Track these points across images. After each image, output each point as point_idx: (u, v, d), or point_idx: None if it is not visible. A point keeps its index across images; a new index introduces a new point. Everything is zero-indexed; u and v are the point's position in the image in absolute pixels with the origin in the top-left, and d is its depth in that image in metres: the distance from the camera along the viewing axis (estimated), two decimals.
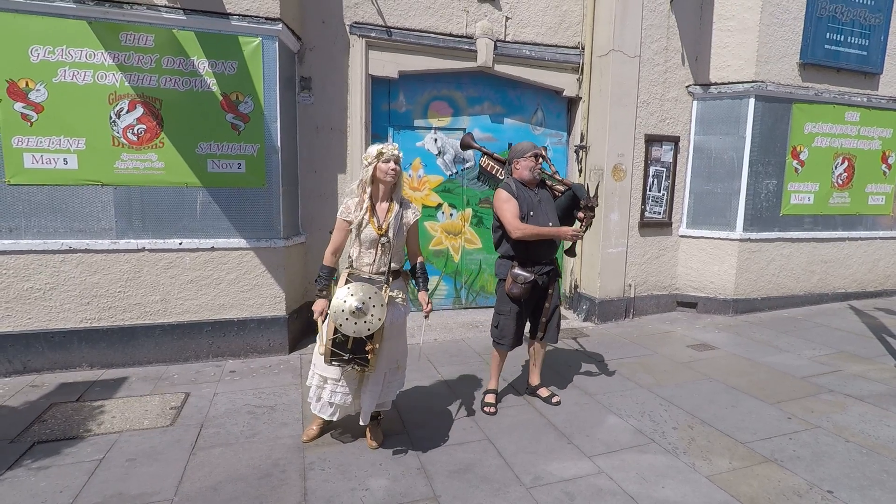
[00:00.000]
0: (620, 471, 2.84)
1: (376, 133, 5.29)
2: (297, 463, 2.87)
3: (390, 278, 2.89)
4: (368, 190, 2.83)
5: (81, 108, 3.86)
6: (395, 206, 2.88)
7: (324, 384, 2.96)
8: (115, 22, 3.83)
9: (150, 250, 4.12)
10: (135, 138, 4.00)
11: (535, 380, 3.80)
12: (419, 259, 3.08)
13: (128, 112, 3.97)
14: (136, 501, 2.52)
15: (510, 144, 5.70)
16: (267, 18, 4.12)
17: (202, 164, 4.16)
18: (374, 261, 2.85)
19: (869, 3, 5.95)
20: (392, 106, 5.35)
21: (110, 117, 3.93)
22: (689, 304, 6.16)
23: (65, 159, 3.88)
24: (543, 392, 3.75)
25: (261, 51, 4.19)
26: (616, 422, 3.43)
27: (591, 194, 3.44)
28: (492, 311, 5.86)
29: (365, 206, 2.81)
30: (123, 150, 3.99)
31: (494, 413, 3.49)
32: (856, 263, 6.60)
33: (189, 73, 4.05)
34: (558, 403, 3.67)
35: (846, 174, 6.32)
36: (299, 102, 4.82)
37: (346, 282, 2.77)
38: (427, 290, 3.08)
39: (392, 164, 2.78)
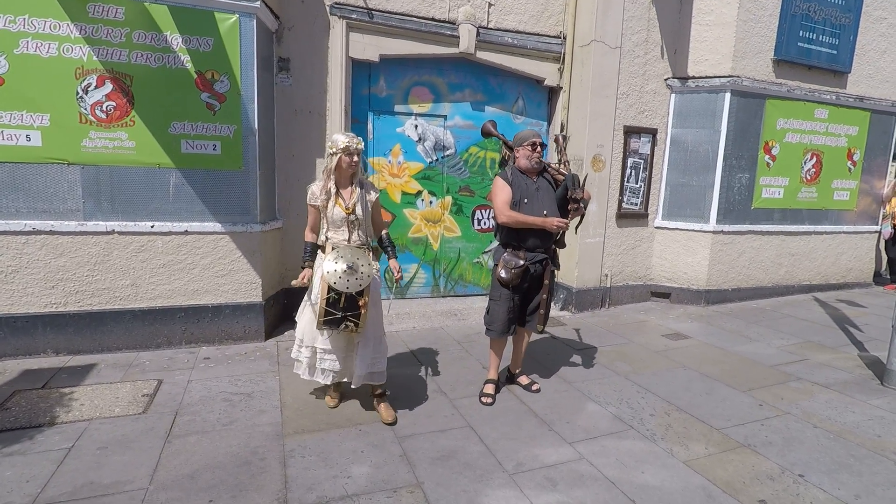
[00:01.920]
0: (601, 456, 2.88)
1: (356, 117, 5.19)
2: (276, 451, 2.82)
3: (367, 247, 3.15)
4: (333, 177, 3.04)
5: (45, 82, 3.67)
6: (357, 189, 3.10)
7: (313, 354, 3.16)
8: None
9: (120, 233, 3.96)
10: (104, 116, 3.82)
11: (515, 367, 3.81)
12: (384, 231, 3.35)
13: (96, 88, 3.78)
14: (108, 490, 2.43)
15: None
16: None
17: (175, 144, 4.01)
18: (348, 238, 3.08)
19: (840, 2, 6.11)
20: (372, 90, 5.26)
21: (77, 93, 3.74)
22: (663, 294, 6.28)
23: (27, 136, 3.68)
24: (523, 380, 3.77)
25: (238, 28, 4.04)
26: (595, 409, 3.47)
27: (579, 186, 3.42)
28: (470, 299, 5.95)
29: (331, 190, 3.03)
30: (91, 128, 3.81)
31: (491, 404, 3.48)
32: (820, 257, 6.83)
33: (162, 48, 3.88)
34: (538, 391, 3.69)
35: (814, 170, 6.52)
36: (277, 84, 4.69)
37: (333, 248, 3.03)
38: (396, 257, 3.32)
39: (354, 158, 3.01)
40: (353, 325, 2.94)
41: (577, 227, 3.51)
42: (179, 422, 3.08)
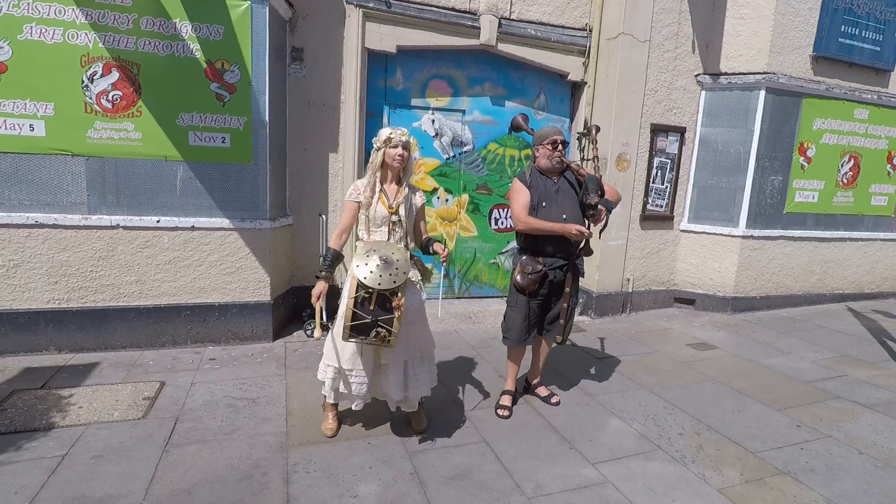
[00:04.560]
0: (627, 480, 2.66)
1: (371, 111, 4.99)
2: (279, 464, 2.65)
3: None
4: (378, 174, 2.84)
5: (50, 70, 3.53)
6: (405, 189, 2.88)
7: (337, 375, 2.86)
8: None
9: (125, 227, 3.82)
10: (109, 105, 3.68)
11: (534, 377, 3.60)
12: (425, 236, 3.07)
13: (102, 76, 3.63)
14: None
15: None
16: None
17: (183, 136, 3.85)
18: (387, 239, 2.84)
19: None
20: (389, 83, 5.06)
21: (82, 81, 3.60)
22: (687, 300, 6.01)
23: (31, 125, 3.55)
24: (542, 391, 3.56)
25: (249, 16, 3.87)
26: (619, 425, 3.25)
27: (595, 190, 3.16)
28: (485, 301, 5.75)
29: (376, 187, 2.81)
30: (97, 118, 3.66)
31: (508, 417, 3.27)
32: (855, 264, 6.50)
33: (170, 36, 3.72)
34: (558, 403, 3.48)
35: (851, 173, 6.18)
36: (290, 75, 4.51)
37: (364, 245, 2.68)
38: (442, 241, 3.11)
39: (399, 150, 2.78)
40: (384, 332, 2.55)
41: (600, 232, 3.26)
42: (180, 429, 2.92)
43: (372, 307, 2.53)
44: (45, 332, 3.77)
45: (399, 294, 2.59)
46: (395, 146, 2.77)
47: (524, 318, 3.21)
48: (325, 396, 2.97)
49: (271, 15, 3.97)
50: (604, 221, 3.23)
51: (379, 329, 2.55)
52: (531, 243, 3.16)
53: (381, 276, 2.52)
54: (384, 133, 2.78)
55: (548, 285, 3.18)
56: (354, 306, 2.52)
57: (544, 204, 3.10)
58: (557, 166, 3.15)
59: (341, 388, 2.89)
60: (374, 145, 2.81)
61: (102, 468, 2.53)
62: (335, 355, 2.82)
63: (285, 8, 4.23)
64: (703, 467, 2.81)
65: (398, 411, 3.01)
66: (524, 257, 3.16)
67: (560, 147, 3.13)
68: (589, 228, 3.13)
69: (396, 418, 3.13)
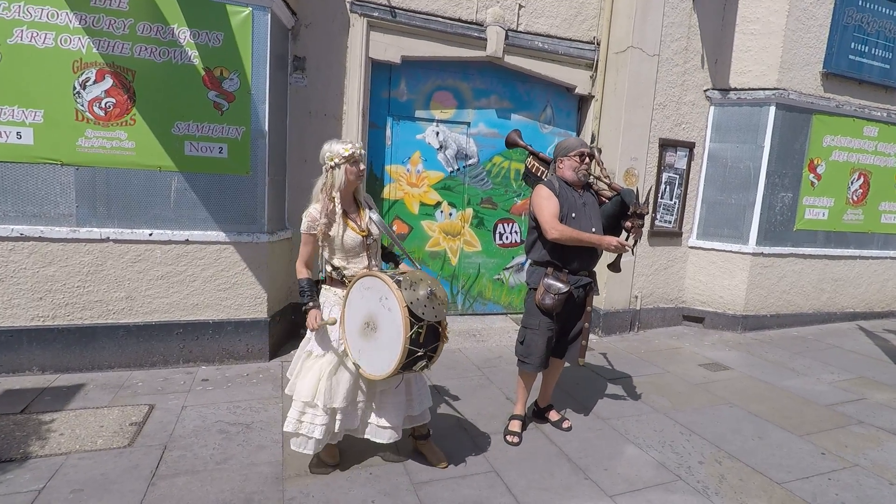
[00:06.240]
0: None
1: (374, 122, 4.86)
2: (274, 498, 2.45)
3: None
4: (337, 195, 2.50)
5: (40, 76, 3.38)
6: (366, 210, 2.65)
7: (332, 418, 2.57)
8: None
9: (116, 241, 3.64)
10: (102, 113, 3.52)
11: (544, 401, 3.42)
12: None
13: (95, 83, 3.49)
14: None
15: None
16: None
17: (178, 145, 3.70)
18: (369, 264, 2.61)
19: (895, 14, 5.70)
20: (392, 94, 4.93)
21: (74, 88, 3.45)
22: (696, 318, 5.85)
23: (18, 133, 3.39)
24: (553, 415, 3.38)
25: (251, 22, 3.74)
26: (635, 453, 3.07)
27: (642, 201, 3.04)
28: (490, 318, 5.57)
29: (336, 211, 2.50)
30: (88, 126, 3.51)
31: (518, 443, 3.09)
32: (865, 283, 6.37)
33: (168, 42, 3.59)
34: (569, 429, 3.30)
35: (861, 190, 6.08)
36: (291, 84, 4.38)
37: (395, 278, 2.38)
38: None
39: (361, 166, 2.54)
40: (426, 361, 2.43)
41: (633, 248, 3.11)
42: (168, 458, 2.72)
43: (422, 340, 2.37)
44: (28, 352, 3.57)
45: (444, 321, 2.50)
46: (357, 162, 2.49)
47: (548, 341, 3.03)
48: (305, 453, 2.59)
49: (273, 22, 3.84)
50: (639, 236, 3.08)
51: (427, 359, 2.43)
52: (557, 256, 2.96)
53: (433, 308, 2.36)
54: (341, 148, 2.45)
55: (569, 305, 3.02)
56: (411, 344, 2.31)
57: (574, 215, 2.95)
58: (583, 179, 3.02)
59: (336, 429, 2.58)
60: (329, 163, 2.47)
61: None
62: (328, 396, 2.52)
63: (288, 16, 4.11)
64: (728, 500, 2.63)
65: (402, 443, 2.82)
66: (548, 275, 2.97)
67: (587, 160, 3.01)
68: (627, 241, 2.98)
69: (401, 446, 2.92)
